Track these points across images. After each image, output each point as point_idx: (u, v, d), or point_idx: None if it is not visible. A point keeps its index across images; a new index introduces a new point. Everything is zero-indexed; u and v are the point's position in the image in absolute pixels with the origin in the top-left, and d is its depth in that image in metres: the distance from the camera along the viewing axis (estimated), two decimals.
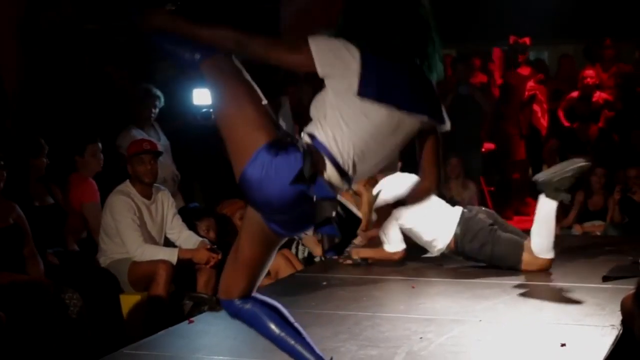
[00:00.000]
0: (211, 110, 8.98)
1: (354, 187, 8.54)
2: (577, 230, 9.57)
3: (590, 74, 12.42)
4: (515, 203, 12.41)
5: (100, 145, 7.68)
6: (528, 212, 11.83)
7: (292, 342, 4.15)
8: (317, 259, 8.30)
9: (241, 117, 3.76)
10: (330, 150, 3.78)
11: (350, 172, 3.90)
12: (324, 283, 6.91)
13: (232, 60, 3.91)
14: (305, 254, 8.29)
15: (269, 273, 7.68)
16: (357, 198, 8.54)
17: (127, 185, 7.14)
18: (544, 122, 12.47)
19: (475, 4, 14.35)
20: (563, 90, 12.67)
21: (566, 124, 12.20)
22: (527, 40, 13.04)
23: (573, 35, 14.33)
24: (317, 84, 10.83)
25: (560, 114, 12.36)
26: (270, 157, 3.64)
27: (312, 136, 3.81)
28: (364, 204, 8.44)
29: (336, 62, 3.79)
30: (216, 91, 3.93)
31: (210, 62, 3.90)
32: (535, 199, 11.44)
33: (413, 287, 6.69)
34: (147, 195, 7.19)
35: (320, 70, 3.80)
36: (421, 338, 5.51)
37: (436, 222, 7.11)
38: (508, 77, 12.74)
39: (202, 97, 9.11)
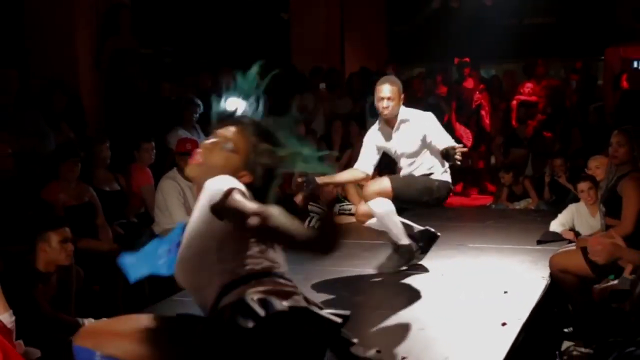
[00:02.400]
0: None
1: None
2: (515, 206, 9.64)
3: (529, 86, 12.43)
4: (474, 184, 12.37)
5: (153, 143, 7.69)
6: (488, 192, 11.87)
7: None
8: None
9: None
10: None
11: None
12: None
13: None
14: (316, 226, 8.24)
15: None
16: (361, 190, 8.36)
17: (174, 172, 7.15)
18: (487, 122, 12.46)
19: (439, 31, 14.36)
20: (509, 98, 12.67)
21: (514, 123, 12.23)
22: (467, 59, 13.09)
23: (514, 56, 14.32)
24: (316, 92, 10.78)
25: (514, 115, 12.35)
26: None
27: None
28: None
29: None
30: None
31: None
32: (492, 183, 11.53)
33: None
34: (190, 179, 7.19)
35: None
36: (398, 288, 5.57)
37: None
38: (457, 91, 12.72)
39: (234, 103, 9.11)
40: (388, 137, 5.96)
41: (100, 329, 2.94)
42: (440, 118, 11.46)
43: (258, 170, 2.96)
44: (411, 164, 5.95)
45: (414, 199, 5.88)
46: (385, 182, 5.81)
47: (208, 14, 13.10)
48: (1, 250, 5.47)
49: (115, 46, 8.29)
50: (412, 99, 12.01)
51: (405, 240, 5.95)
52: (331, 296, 5.37)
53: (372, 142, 6.04)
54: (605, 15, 13.95)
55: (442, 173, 5.93)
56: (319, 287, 5.64)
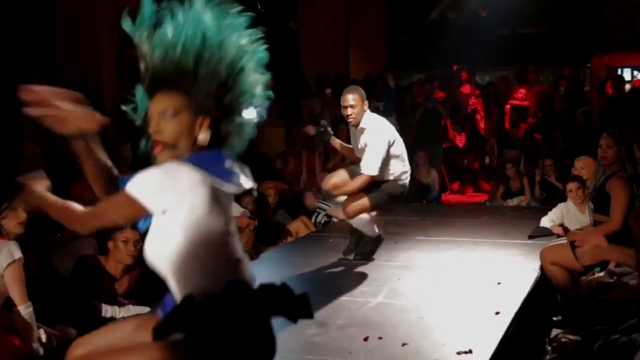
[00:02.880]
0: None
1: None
2: (508, 203, 9.61)
3: (522, 92, 12.44)
4: (470, 182, 12.35)
5: None
6: (483, 190, 11.84)
7: None
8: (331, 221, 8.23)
9: None
10: None
11: None
12: (330, 240, 6.95)
13: None
14: (323, 221, 8.22)
15: (290, 234, 7.70)
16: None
17: None
18: (482, 125, 12.47)
19: (437, 40, 14.37)
20: (502, 103, 12.64)
21: (507, 126, 12.23)
22: (465, 65, 13.12)
23: (507, 64, 14.32)
24: (325, 97, 10.80)
25: (507, 118, 12.36)
26: None
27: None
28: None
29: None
30: None
31: None
32: (487, 182, 11.52)
33: (396, 242, 6.71)
34: None
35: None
36: (399, 279, 5.56)
37: None
38: (455, 95, 12.73)
39: (248, 114, 9.18)
40: (355, 137, 5.91)
41: (90, 353, 2.55)
42: (438, 121, 11.58)
43: (209, 101, 2.46)
44: None
45: (387, 203, 5.96)
46: (364, 200, 5.73)
47: None
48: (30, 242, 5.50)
49: (135, 55, 8.29)
50: (412, 103, 12.04)
51: (376, 232, 6.07)
52: (337, 285, 5.37)
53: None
54: (592, 26, 13.95)
55: (402, 174, 5.86)
56: (325, 276, 5.65)
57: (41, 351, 4.44)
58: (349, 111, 5.72)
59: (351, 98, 5.73)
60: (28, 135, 6.41)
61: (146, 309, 4.97)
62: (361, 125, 5.76)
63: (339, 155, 9.76)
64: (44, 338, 4.52)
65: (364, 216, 5.87)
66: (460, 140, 12.23)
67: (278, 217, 8.21)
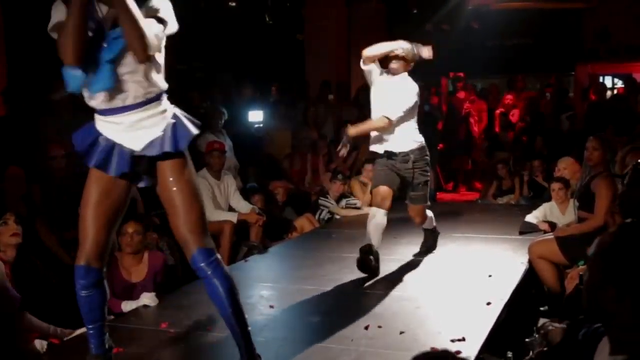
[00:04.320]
0: (262, 125, 9.05)
1: (362, 179, 7.87)
2: (499, 201, 9.55)
3: (510, 98, 12.42)
4: (464, 182, 12.32)
5: None
6: (475, 189, 11.80)
7: None
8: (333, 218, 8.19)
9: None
10: None
11: None
12: (333, 235, 6.92)
13: None
14: (326, 218, 8.18)
15: (295, 230, 7.66)
16: (365, 187, 8.21)
17: (204, 171, 7.15)
18: (476, 129, 12.44)
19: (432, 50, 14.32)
20: (493, 108, 12.62)
21: (497, 130, 12.21)
22: (461, 74, 13.10)
23: (497, 72, 14.29)
24: (327, 103, 10.76)
25: (497, 122, 12.35)
26: None
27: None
28: (368, 191, 7.75)
29: None
30: None
31: None
32: (482, 182, 11.47)
33: (395, 238, 6.68)
34: (217, 177, 7.19)
35: None
36: (398, 271, 5.53)
37: None
38: (451, 100, 12.71)
39: (255, 116, 9.26)
40: (388, 74, 5.67)
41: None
42: (434, 124, 11.56)
43: None
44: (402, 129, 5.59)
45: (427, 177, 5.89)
46: (387, 191, 5.59)
47: (234, 35, 13.10)
48: (59, 234, 5.59)
49: None
50: None
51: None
52: (340, 277, 5.34)
53: (375, 87, 5.71)
54: (573, 37, 13.94)
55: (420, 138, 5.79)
56: (328, 269, 5.62)
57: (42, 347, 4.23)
58: (395, 61, 5.61)
59: (401, 49, 5.70)
60: (53, 137, 6.39)
61: None
62: (400, 76, 5.61)
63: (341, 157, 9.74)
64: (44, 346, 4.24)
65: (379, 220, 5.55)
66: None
67: (285, 214, 8.18)
